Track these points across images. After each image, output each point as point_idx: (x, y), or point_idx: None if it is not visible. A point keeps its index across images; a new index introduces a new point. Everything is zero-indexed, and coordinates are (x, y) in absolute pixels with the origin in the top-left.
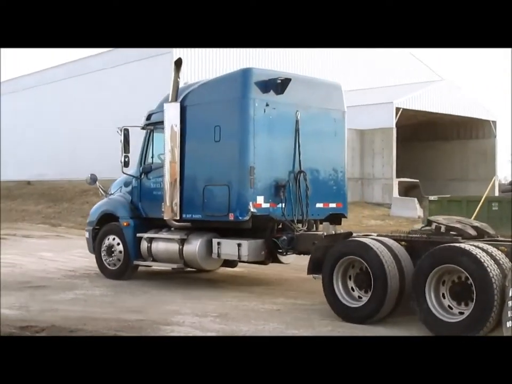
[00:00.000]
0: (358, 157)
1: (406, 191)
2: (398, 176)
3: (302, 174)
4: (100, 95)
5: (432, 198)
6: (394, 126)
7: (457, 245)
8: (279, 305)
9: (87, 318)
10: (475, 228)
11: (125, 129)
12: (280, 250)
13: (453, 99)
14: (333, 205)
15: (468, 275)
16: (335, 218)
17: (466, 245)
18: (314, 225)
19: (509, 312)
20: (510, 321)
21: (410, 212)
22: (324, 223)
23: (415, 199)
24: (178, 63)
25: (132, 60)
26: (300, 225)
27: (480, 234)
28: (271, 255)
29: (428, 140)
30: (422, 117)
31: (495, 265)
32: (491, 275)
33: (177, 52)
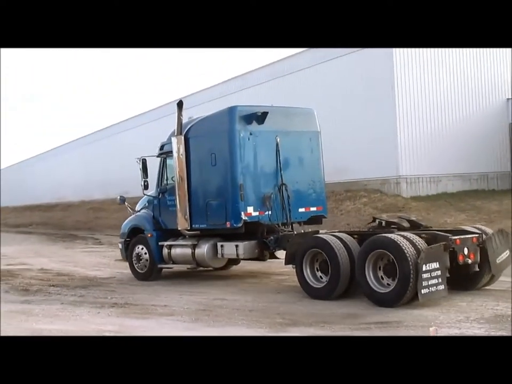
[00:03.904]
0: None
1: None
2: None
3: (284, 186)
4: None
5: None
6: None
7: (384, 234)
8: None
9: None
10: (411, 221)
11: (142, 159)
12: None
13: None
14: (313, 209)
15: (392, 256)
16: (317, 219)
17: (392, 235)
18: (299, 225)
19: (423, 282)
20: (425, 289)
21: None
22: (293, 224)
23: None
24: (180, 104)
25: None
26: (284, 227)
27: (415, 226)
28: (263, 253)
29: None
30: None
31: (412, 248)
32: (408, 256)
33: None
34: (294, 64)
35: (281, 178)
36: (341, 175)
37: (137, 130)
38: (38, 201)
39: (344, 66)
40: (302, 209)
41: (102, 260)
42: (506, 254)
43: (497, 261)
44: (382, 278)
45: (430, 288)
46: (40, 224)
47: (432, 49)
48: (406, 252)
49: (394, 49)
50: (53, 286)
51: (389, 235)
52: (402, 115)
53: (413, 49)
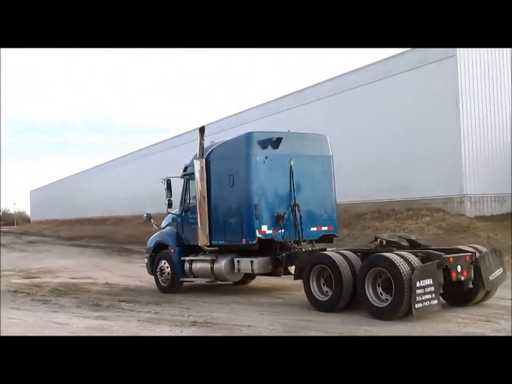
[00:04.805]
0: None
1: None
2: None
3: (296, 206)
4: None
5: None
6: None
7: (382, 253)
8: None
9: None
10: (410, 240)
11: (167, 179)
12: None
13: None
14: (325, 228)
15: (388, 274)
16: (328, 238)
17: (389, 253)
18: (311, 244)
19: (417, 297)
20: (419, 304)
21: None
22: (302, 242)
23: None
24: (202, 130)
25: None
26: (297, 244)
27: (414, 245)
28: (277, 268)
29: None
30: None
31: (407, 266)
32: (402, 273)
33: (461, 54)
34: (354, 80)
35: (294, 199)
36: (401, 193)
37: (186, 147)
38: (88, 215)
39: (407, 82)
40: (314, 228)
41: None
42: (499, 271)
43: (490, 278)
44: (381, 294)
45: (424, 303)
46: (93, 238)
47: (499, 63)
48: (400, 269)
49: (458, 63)
50: (123, 301)
51: (386, 254)
52: (467, 131)
53: (479, 62)
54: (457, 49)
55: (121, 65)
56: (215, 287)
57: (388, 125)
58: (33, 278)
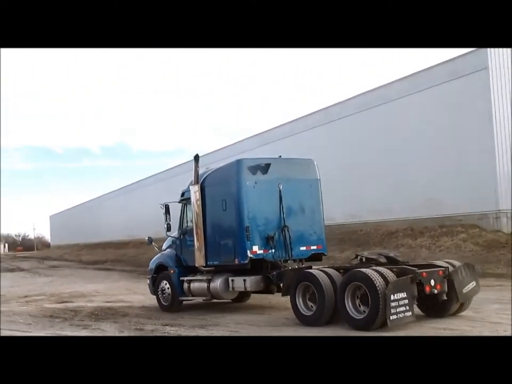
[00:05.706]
0: None
1: None
2: None
3: (285, 228)
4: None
5: None
6: None
7: (360, 269)
8: None
9: None
10: (388, 257)
11: (166, 204)
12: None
13: None
14: (314, 247)
15: (365, 287)
16: (318, 256)
17: (366, 269)
18: (300, 262)
19: (391, 309)
20: (393, 316)
21: None
22: (289, 261)
23: None
24: (196, 158)
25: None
26: (287, 263)
27: (392, 262)
28: (269, 286)
29: None
30: None
31: (382, 280)
32: (377, 287)
33: (493, 66)
34: (383, 96)
35: (283, 221)
36: (433, 209)
37: (202, 170)
38: (108, 239)
39: (438, 96)
40: (303, 248)
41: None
42: (472, 284)
43: (464, 291)
44: (360, 306)
45: (398, 314)
46: (116, 261)
47: None
48: (376, 283)
49: (491, 76)
50: (167, 325)
51: (364, 269)
52: (501, 145)
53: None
54: (489, 61)
55: (120, 65)
56: (256, 309)
57: (419, 140)
58: (66, 302)
